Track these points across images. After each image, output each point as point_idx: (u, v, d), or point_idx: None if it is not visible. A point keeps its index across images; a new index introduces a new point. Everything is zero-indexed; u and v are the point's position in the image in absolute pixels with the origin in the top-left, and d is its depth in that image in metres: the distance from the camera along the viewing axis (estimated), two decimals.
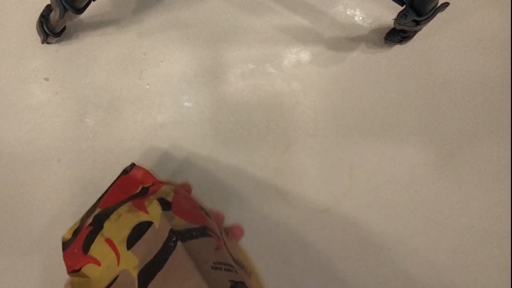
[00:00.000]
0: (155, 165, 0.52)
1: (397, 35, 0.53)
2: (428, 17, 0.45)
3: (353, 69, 0.55)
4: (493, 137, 0.54)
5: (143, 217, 0.39)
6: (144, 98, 0.54)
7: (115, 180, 0.47)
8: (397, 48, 0.56)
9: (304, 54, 0.55)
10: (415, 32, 0.53)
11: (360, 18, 0.56)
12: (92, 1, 0.45)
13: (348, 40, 0.56)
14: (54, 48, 0.54)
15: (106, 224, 0.39)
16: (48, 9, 0.51)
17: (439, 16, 0.45)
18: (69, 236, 0.41)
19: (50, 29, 0.51)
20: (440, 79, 0.55)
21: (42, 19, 0.51)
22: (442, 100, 0.55)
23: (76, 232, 0.41)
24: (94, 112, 0.53)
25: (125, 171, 0.48)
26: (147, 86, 0.54)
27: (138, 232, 0.38)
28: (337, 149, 0.53)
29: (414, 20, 0.45)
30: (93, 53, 0.54)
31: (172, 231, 0.37)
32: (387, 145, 0.53)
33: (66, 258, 0.38)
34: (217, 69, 0.55)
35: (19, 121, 0.53)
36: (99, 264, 0.36)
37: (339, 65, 0.55)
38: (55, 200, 0.52)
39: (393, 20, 0.47)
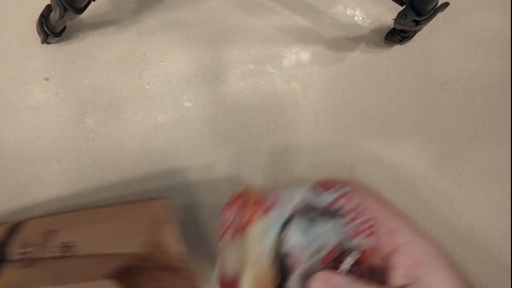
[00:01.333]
0: (155, 165, 0.52)
1: (397, 35, 0.53)
2: (428, 17, 0.45)
3: (353, 69, 0.55)
4: (493, 137, 0.54)
5: None
6: (144, 98, 0.54)
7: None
8: (397, 48, 0.56)
9: (304, 54, 0.55)
10: (415, 32, 0.53)
11: (360, 18, 0.56)
12: (92, 1, 0.45)
13: (348, 40, 0.56)
14: (54, 48, 0.54)
15: None
16: (48, 9, 0.51)
17: (439, 16, 0.45)
18: None
19: (50, 29, 0.51)
20: (440, 79, 0.55)
21: (42, 19, 0.51)
22: (442, 100, 0.55)
23: None
24: (94, 112, 0.53)
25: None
26: (147, 86, 0.54)
27: None
28: (337, 149, 0.53)
29: (414, 20, 0.45)
30: (93, 53, 0.54)
31: None
32: (387, 145, 0.53)
33: None
34: (217, 69, 0.55)
35: (19, 121, 0.53)
36: None
37: (339, 65, 0.55)
38: (55, 200, 0.52)
39: (393, 20, 0.47)
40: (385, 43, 0.55)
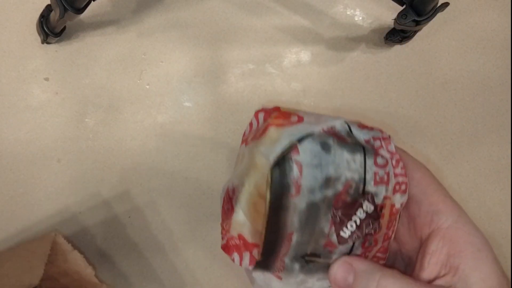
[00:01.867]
0: (155, 165, 0.52)
1: (397, 35, 0.53)
2: (428, 17, 0.45)
3: (353, 69, 0.55)
4: (493, 137, 0.54)
5: None
6: (144, 98, 0.54)
7: None
8: (397, 48, 0.56)
9: (304, 54, 0.55)
10: (415, 32, 0.53)
11: (360, 18, 0.56)
12: (92, 1, 0.45)
13: (348, 40, 0.56)
14: (54, 48, 0.54)
15: None
16: (48, 9, 0.51)
17: (439, 16, 0.45)
18: None
19: (50, 29, 0.51)
20: (440, 79, 0.55)
21: (42, 19, 0.51)
22: (442, 100, 0.55)
23: None
24: (94, 112, 0.53)
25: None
26: (147, 86, 0.54)
27: None
28: None
29: (414, 20, 0.45)
30: (93, 53, 0.54)
31: None
32: None
33: None
34: (217, 69, 0.55)
35: (19, 121, 0.53)
36: None
37: (339, 65, 0.55)
38: (55, 200, 0.52)
39: (393, 20, 0.47)
40: (385, 43, 0.55)
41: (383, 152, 0.25)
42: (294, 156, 0.22)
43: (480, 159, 0.53)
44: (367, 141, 0.25)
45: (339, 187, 0.22)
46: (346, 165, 0.23)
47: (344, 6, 0.57)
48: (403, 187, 0.24)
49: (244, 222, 0.24)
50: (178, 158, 0.53)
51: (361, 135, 0.25)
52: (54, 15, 0.48)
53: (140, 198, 0.52)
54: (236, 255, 0.24)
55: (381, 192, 0.23)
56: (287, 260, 0.23)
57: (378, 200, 0.23)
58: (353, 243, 0.23)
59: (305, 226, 0.23)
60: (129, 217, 0.52)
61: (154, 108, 0.54)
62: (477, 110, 0.54)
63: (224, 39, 0.55)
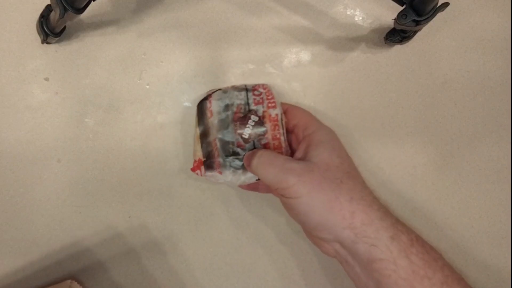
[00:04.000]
0: (155, 165, 0.52)
1: (397, 35, 0.53)
2: (428, 17, 0.45)
3: (353, 69, 0.55)
4: (493, 137, 0.54)
5: None
6: (144, 98, 0.54)
7: None
8: (397, 48, 0.56)
9: (304, 54, 0.55)
10: (415, 32, 0.53)
11: (360, 18, 0.56)
12: (92, 1, 0.45)
13: (348, 40, 0.56)
14: (54, 48, 0.54)
15: None
16: (48, 9, 0.51)
17: (439, 16, 0.45)
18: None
19: (50, 29, 0.51)
20: (440, 79, 0.55)
21: (42, 19, 0.51)
22: (442, 100, 0.55)
23: None
24: (94, 112, 0.53)
25: None
26: (147, 86, 0.54)
27: None
28: None
29: (414, 20, 0.45)
30: (93, 53, 0.54)
31: None
32: (387, 145, 0.53)
33: None
34: (217, 69, 0.55)
35: (19, 121, 0.53)
36: None
37: (339, 65, 0.55)
38: (55, 200, 0.52)
39: (393, 20, 0.47)
40: (385, 43, 0.55)
41: (260, 89, 0.46)
42: (209, 98, 0.45)
43: (480, 159, 0.53)
44: (252, 86, 0.46)
45: (234, 109, 0.44)
46: (236, 97, 0.44)
47: (344, 6, 0.57)
48: (273, 104, 0.44)
49: (196, 148, 0.46)
50: (178, 158, 0.53)
51: (250, 86, 0.46)
52: (54, 15, 0.48)
53: (140, 198, 0.52)
54: (198, 171, 0.44)
55: (259, 109, 0.44)
56: (220, 160, 0.43)
57: (260, 114, 0.43)
58: (254, 142, 0.43)
59: (221, 134, 0.43)
60: (129, 217, 0.52)
61: (154, 108, 0.54)
62: (477, 110, 0.54)
63: (224, 39, 0.55)
